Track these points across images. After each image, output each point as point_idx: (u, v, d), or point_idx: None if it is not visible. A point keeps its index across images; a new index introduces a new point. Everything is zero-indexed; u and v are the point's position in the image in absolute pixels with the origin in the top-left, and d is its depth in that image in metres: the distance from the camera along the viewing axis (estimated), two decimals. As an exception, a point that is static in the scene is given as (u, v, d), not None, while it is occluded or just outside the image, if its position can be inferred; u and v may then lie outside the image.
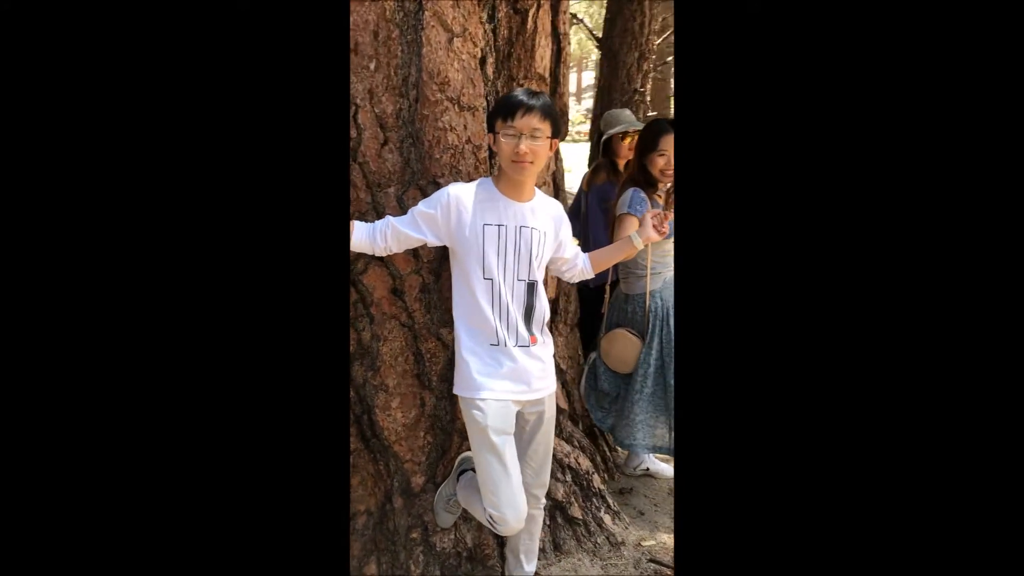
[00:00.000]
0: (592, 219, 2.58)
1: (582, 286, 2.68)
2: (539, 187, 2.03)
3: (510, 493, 1.45)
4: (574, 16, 4.81)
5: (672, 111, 7.80)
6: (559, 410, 2.23)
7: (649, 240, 1.72)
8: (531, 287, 1.51)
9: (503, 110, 1.40)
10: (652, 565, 1.98)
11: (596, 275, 2.44)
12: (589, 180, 2.62)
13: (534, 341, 1.52)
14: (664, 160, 2.08)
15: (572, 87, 19.56)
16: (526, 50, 1.77)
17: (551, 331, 2.27)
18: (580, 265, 1.72)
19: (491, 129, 1.44)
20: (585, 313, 2.52)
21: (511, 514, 1.45)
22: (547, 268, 1.76)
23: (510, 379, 1.47)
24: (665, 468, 2.50)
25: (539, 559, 1.94)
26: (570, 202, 2.83)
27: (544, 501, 1.70)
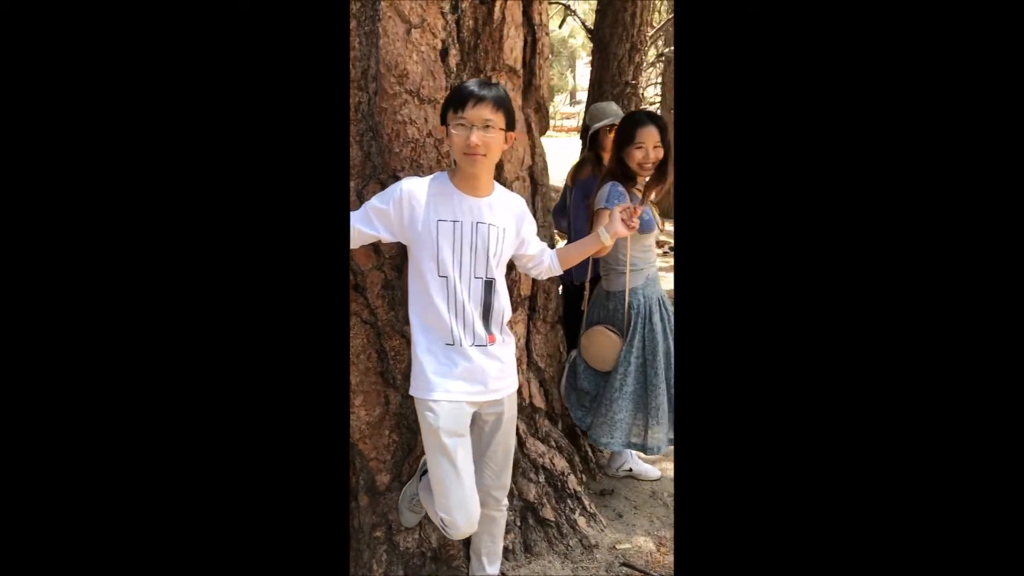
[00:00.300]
0: (576, 214, 2.52)
1: (566, 282, 2.64)
2: (514, 182, 1.99)
3: (461, 497, 1.42)
4: (567, 7, 4.73)
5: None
6: (535, 409, 2.20)
7: (617, 235, 1.67)
8: (489, 285, 1.47)
9: (454, 101, 1.36)
10: (624, 569, 1.93)
11: (578, 271, 2.41)
12: (574, 175, 2.56)
13: (492, 340, 1.48)
14: (642, 153, 2.02)
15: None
16: (493, 41, 1.73)
17: (530, 328, 2.24)
18: (547, 262, 1.68)
19: (444, 121, 1.40)
20: (569, 310, 2.48)
21: (461, 518, 1.42)
22: (515, 265, 1.73)
23: (465, 379, 1.44)
24: (648, 469, 2.45)
25: (508, 560, 1.91)
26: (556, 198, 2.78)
27: (506, 503, 1.67)
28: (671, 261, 6.16)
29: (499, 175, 1.90)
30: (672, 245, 6.67)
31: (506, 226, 1.49)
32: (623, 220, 1.67)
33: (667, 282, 5.34)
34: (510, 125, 1.41)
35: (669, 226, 7.61)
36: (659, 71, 7.82)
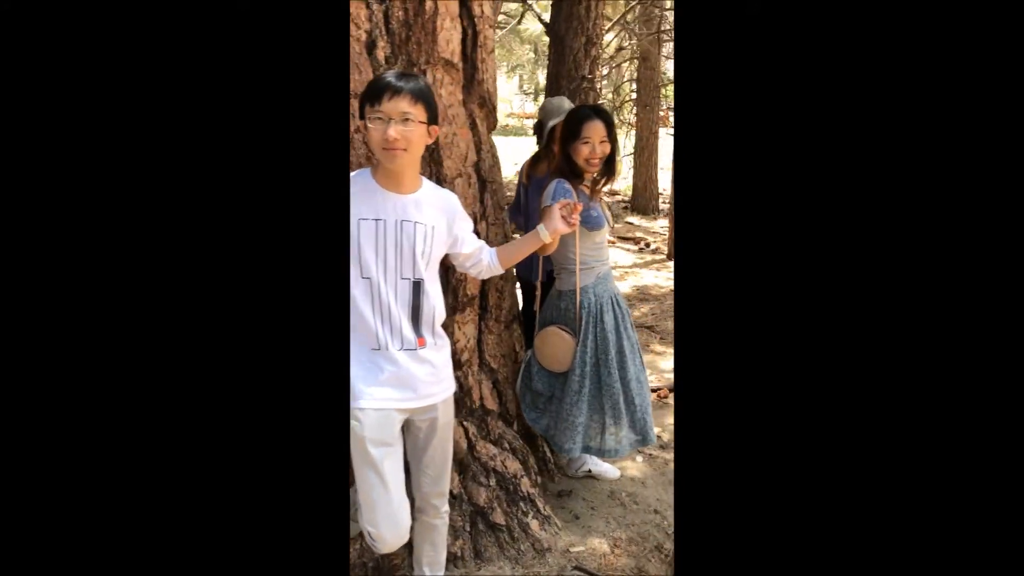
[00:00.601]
0: (532, 212, 2.48)
1: (525, 281, 2.59)
2: (455, 179, 1.94)
3: (389, 510, 1.36)
4: (524, 1, 4.67)
5: (664, 104, 7.65)
6: (486, 411, 2.15)
7: (556, 233, 1.63)
8: (417, 286, 1.41)
9: (369, 94, 1.30)
10: (576, 573, 1.89)
11: (529, 271, 2.36)
12: (528, 171, 2.51)
13: (422, 344, 1.43)
14: (588, 148, 1.98)
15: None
16: (427, 33, 1.67)
17: (482, 328, 2.19)
18: (487, 261, 1.62)
19: (361, 116, 1.35)
20: (528, 310, 2.43)
21: (389, 532, 1.37)
22: (453, 264, 1.67)
23: (391, 385, 1.39)
24: (608, 469, 2.41)
25: (458, 567, 1.86)
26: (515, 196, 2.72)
27: (447, 509, 1.62)
28: (647, 258, 6.13)
29: (438, 171, 1.85)
30: (648, 242, 6.65)
31: (435, 224, 1.44)
32: (563, 217, 1.62)
33: (643, 279, 5.34)
34: (432, 118, 1.36)
35: (650, 222, 7.59)
36: (634, 67, 7.80)
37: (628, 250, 6.43)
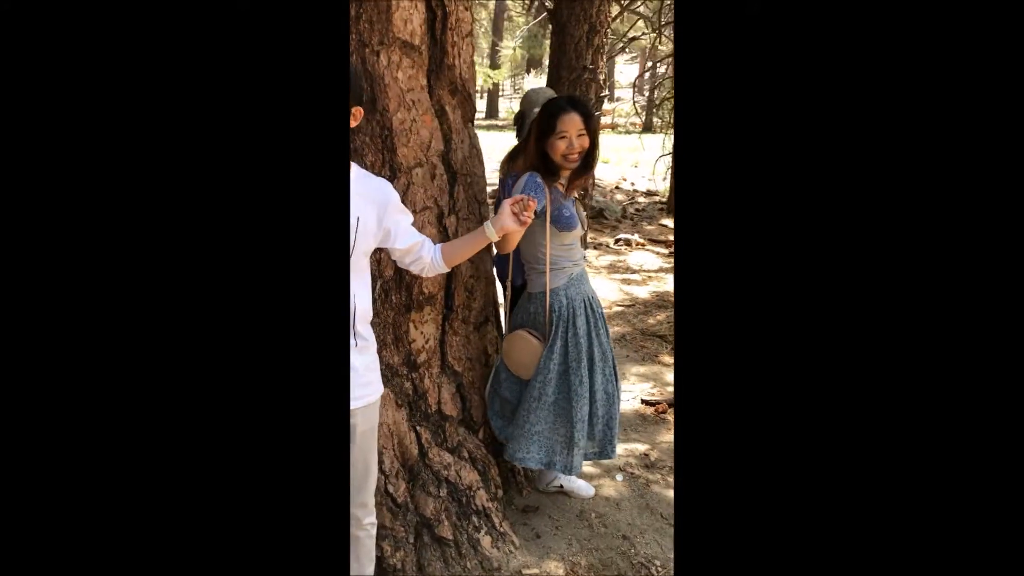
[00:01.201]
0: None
1: (504, 281, 2.46)
2: (414, 169, 1.82)
3: None
4: None
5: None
6: (443, 417, 2.03)
7: (504, 230, 1.49)
8: (336, 281, 1.31)
9: None
10: (522, 598, 1.76)
11: (499, 269, 2.23)
12: (507, 165, 2.36)
13: (339, 343, 1.32)
14: (565, 143, 1.82)
15: (633, 76, 18.05)
16: (380, 12, 1.56)
17: (445, 329, 2.07)
18: (428, 257, 1.50)
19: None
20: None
21: None
22: (394, 260, 1.56)
23: (300, 386, 1.29)
24: (581, 487, 2.26)
25: (397, 581, 1.75)
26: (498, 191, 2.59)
27: (371, 520, 1.51)
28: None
29: (392, 159, 1.75)
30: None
31: (360, 214, 1.32)
32: (514, 213, 1.49)
33: (666, 284, 5.11)
34: (353, 99, 1.24)
35: (669, 221, 7.31)
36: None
37: (658, 253, 6.19)
